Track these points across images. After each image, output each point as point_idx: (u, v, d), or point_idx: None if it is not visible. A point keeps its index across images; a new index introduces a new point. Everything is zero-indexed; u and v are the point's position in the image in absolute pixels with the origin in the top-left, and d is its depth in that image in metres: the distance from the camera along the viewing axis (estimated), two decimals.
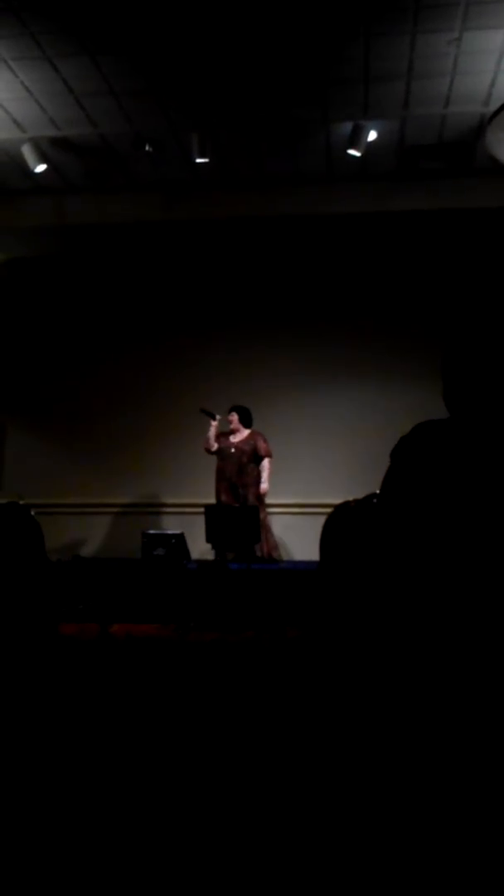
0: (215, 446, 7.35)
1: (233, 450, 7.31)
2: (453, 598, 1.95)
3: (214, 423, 7.31)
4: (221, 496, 7.29)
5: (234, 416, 7.38)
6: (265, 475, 7.31)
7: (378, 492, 2.20)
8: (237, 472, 7.27)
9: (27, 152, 6.98)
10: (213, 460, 7.40)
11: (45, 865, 2.02)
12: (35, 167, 7.07)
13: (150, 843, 2.13)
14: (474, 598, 1.94)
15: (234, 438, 7.36)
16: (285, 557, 7.80)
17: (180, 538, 6.18)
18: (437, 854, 1.83)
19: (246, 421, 7.40)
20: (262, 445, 7.30)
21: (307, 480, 8.13)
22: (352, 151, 6.83)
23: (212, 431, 7.32)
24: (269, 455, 7.31)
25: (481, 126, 6.65)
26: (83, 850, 2.07)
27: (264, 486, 7.30)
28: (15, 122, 6.72)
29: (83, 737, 2.42)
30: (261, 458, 7.31)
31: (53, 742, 2.32)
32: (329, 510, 2.58)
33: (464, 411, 2.12)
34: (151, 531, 6.45)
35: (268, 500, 7.51)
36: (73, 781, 2.27)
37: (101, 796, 2.25)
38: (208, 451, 7.37)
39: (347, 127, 6.77)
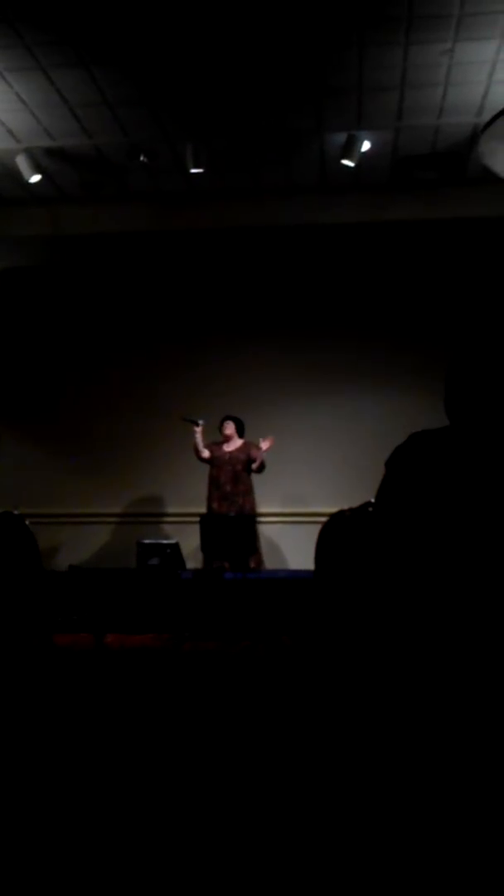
0: (206, 453, 7.29)
1: (227, 458, 7.27)
2: (449, 606, 1.94)
3: (198, 429, 7.25)
4: (213, 504, 7.24)
5: (231, 425, 7.33)
6: (258, 460, 7.17)
7: (373, 500, 2.20)
8: (232, 480, 7.22)
9: (21, 163, 6.98)
10: (208, 469, 7.37)
11: (41, 874, 2.00)
12: (30, 177, 7.07)
13: (148, 854, 2.11)
14: (470, 606, 1.94)
15: (229, 447, 7.32)
16: (279, 566, 7.78)
17: (175, 547, 6.16)
18: (436, 857, 1.82)
19: (241, 431, 7.37)
20: (256, 454, 7.22)
21: (300, 489, 8.12)
22: (346, 161, 6.86)
23: (198, 437, 7.26)
24: (262, 461, 7.19)
25: (474, 136, 6.68)
26: (79, 858, 2.06)
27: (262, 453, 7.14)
28: (9, 132, 6.73)
29: (79, 748, 2.40)
30: (252, 462, 7.21)
31: (49, 753, 2.31)
32: (323, 519, 2.58)
33: (464, 421, 2.12)
34: (146, 540, 6.42)
35: (260, 510, 7.48)
36: (68, 793, 2.26)
37: (97, 807, 2.24)
38: (199, 458, 7.32)
39: (341, 137, 6.80)
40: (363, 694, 2.04)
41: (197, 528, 6.59)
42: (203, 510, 7.23)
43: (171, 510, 8.39)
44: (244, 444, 7.31)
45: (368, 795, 1.94)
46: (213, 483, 7.28)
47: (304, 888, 1.94)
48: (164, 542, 6.42)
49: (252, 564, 6.88)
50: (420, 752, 1.90)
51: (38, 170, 7.07)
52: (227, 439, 7.31)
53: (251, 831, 2.11)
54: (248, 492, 7.28)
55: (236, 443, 7.32)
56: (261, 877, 1.98)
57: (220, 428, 7.33)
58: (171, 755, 2.53)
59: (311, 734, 2.12)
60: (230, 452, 7.28)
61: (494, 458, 2.00)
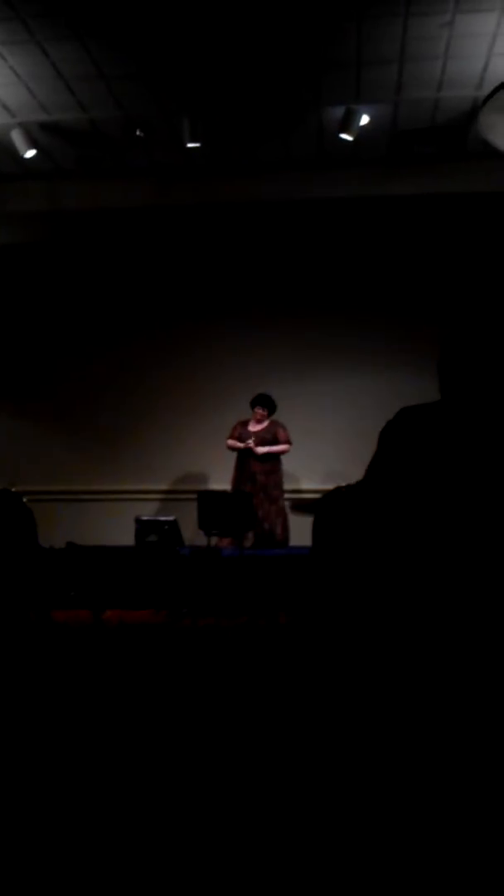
0: (237, 444, 7.36)
1: (252, 439, 7.30)
2: (442, 579, 1.95)
3: (242, 445, 7.31)
4: (244, 486, 7.27)
5: (263, 411, 7.36)
6: (275, 448, 7.27)
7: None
8: (259, 459, 7.27)
9: (17, 137, 6.93)
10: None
11: (43, 847, 2.03)
12: (25, 152, 7.02)
13: (147, 827, 2.13)
14: (464, 579, 1.95)
15: (254, 428, 7.36)
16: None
17: (173, 524, 6.18)
18: (435, 843, 1.84)
19: (271, 411, 7.39)
20: (281, 434, 7.29)
21: (297, 467, 8.11)
22: (344, 136, 6.80)
23: (237, 445, 7.31)
24: (288, 443, 7.30)
25: (474, 110, 6.62)
26: (79, 832, 2.08)
27: (261, 449, 7.24)
28: (4, 106, 6.67)
29: (78, 723, 2.42)
30: (278, 442, 7.31)
31: (47, 729, 2.32)
32: (317, 497, 2.59)
33: (456, 394, 2.13)
34: (144, 517, 6.44)
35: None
36: (68, 768, 2.28)
37: (97, 782, 2.26)
38: (230, 449, 7.39)
39: (340, 111, 6.74)
40: (360, 669, 2.06)
41: (195, 505, 6.60)
42: (202, 487, 7.25)
43: (169, 487, 8.40)
44: (270, 424, 7.37)
45: (365, 770, 1.96)
46: (240, 464, 7.31)
47: (301, 868, 1.96)
48: (163, 518, 6.44)
49: (280, 535, 6.99)
50: (417, 727, 1.91)
51: (33, 145, 7.02)
52: (258, 420, 7.34)
53: (251, 801, 2.13)
54: (273, 471, 7.30)
55: (263, 423, 7.37)
56: (265, 844, 2.00)
57: (255, 413, 7.36)
58: (171, 729, 2.55)
59: (309, 708, 2.14)
60: (256, 432, 7.32)
61: (485, 431, 2.01)
